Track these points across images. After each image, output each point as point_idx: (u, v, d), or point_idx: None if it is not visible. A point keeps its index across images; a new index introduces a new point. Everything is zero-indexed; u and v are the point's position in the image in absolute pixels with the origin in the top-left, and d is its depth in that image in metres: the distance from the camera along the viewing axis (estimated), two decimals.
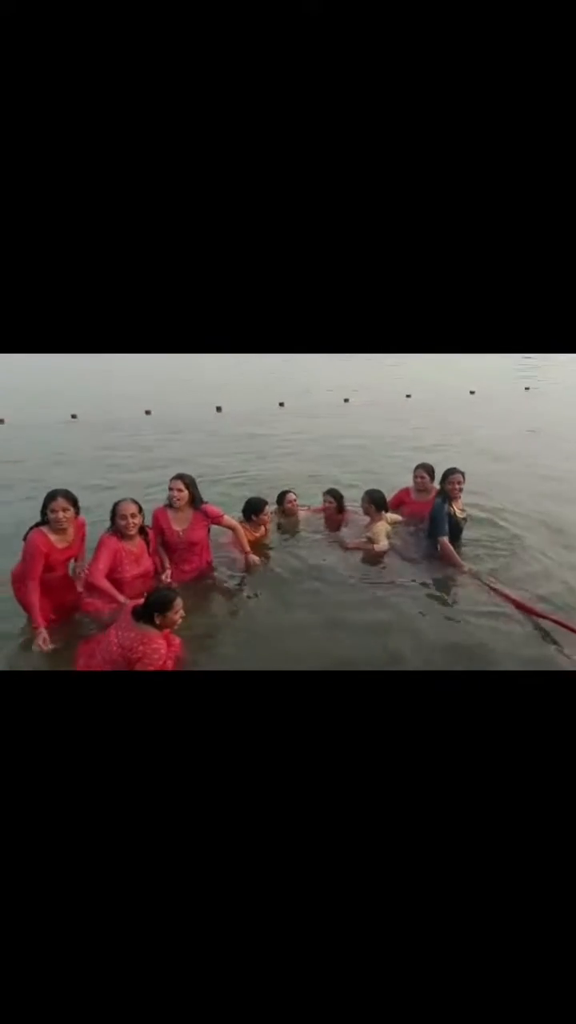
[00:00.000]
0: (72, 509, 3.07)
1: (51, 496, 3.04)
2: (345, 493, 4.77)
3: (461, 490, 4.04)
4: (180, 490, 3.52)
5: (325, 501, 4.78)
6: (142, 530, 3.34)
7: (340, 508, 4.72)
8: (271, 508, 4.60)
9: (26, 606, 3.07)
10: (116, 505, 3.26)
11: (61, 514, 3.01)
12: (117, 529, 3.23)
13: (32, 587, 3.03)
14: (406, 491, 4.65)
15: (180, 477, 3.57)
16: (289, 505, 4.79)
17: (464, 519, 4.16)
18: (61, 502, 3.02)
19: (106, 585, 3.12)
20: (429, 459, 4.73)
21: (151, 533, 3.48)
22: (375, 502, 4.31)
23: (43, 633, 2.98)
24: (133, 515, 3.21)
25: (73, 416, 9.09)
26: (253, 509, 4.27)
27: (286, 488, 4.94)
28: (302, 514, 4.84)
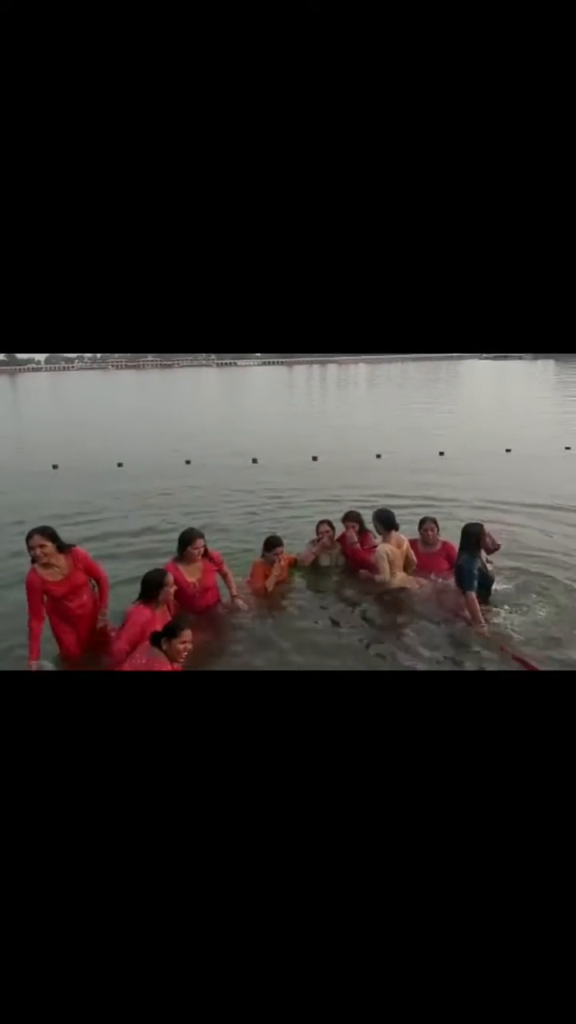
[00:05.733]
0: (50, 544, 3.26)
1: (27, 536, 3.25)
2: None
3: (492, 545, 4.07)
4: (203, 546, 3.90)
5: (347, 526, 4.75)
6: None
7: (361, 530, 4.72)
8: (308, 540, 4.86)
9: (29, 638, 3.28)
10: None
11: (38, 550, 3.22)
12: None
13: (33, 622, 3.27)
14: (413, 543, 4.59)
15: (200, 536, 3.91)
16: (322, 536, 4.74)
17: (492, 573, 4.18)
18: (36, 539, 3.23)
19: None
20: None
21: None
22: (381, 520, 4.28)
23: (33, 667, 3.19)
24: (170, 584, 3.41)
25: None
26: (269, 546, 4.47)
27: (324, 518, 4.89)
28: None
